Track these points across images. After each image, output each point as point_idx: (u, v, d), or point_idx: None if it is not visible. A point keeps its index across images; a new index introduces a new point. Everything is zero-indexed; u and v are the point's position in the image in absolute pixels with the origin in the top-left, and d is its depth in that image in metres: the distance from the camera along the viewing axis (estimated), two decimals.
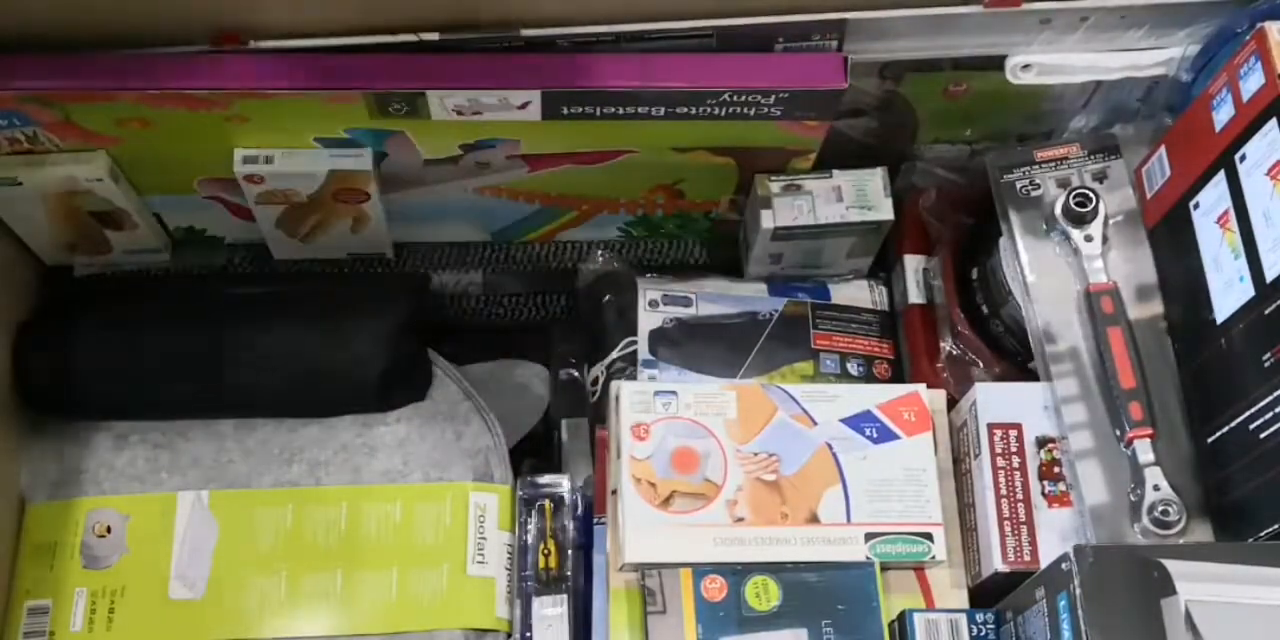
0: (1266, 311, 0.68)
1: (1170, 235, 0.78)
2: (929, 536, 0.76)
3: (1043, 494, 0.76)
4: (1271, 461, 0.68)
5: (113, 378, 0.81)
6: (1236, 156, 0.71)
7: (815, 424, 0.79)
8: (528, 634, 0.77)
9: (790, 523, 0.76)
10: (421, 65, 0.74)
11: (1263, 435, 0.68)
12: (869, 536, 0.76)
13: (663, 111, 0.76)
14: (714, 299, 0.90)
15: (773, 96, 0.75)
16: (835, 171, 0.85)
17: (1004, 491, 0.76)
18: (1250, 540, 0.70)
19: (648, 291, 0.89)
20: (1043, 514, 0.76)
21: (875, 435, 0.79)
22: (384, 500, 0.80)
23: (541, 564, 0.78)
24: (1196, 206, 0.75)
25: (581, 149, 0.82)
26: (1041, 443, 0.78)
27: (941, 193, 0.90)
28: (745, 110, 0.77)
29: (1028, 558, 0.75)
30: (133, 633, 0.77)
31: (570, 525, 0.79)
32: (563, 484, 0.80)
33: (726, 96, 0.75)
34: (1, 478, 0.80)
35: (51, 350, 0.81)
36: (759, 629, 0.73)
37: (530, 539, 0.79)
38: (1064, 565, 0.65)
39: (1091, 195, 0.79)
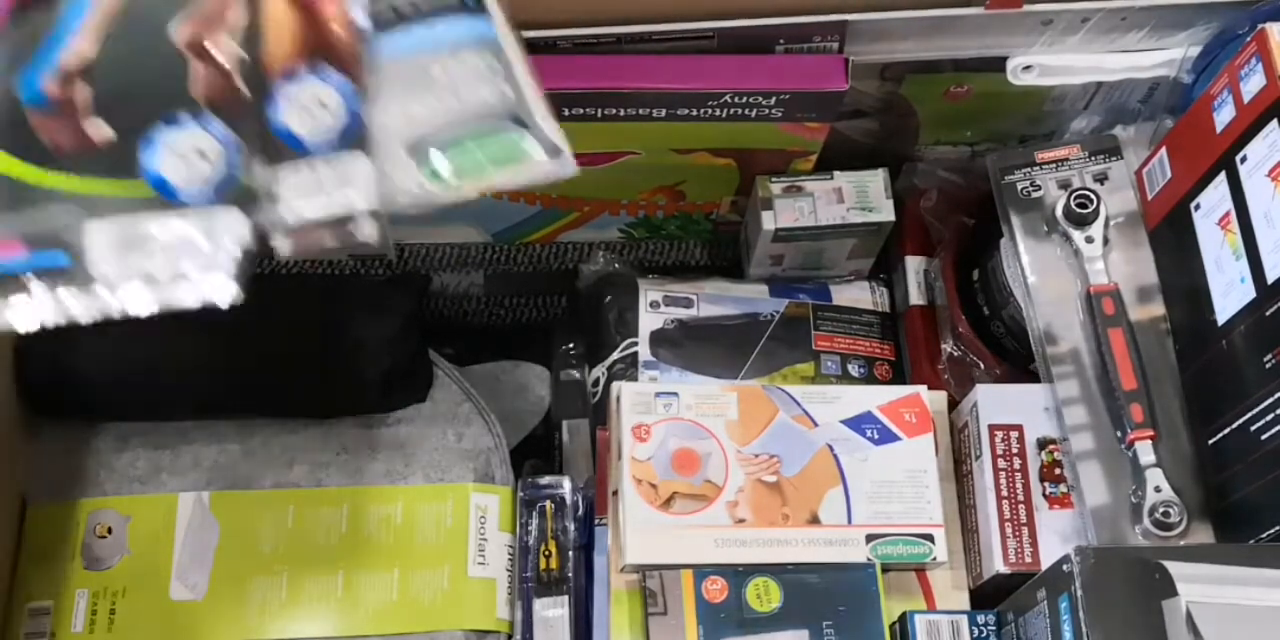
0: (1268, 313, 0.68)
1: (1171, 236, 0.78)
2: (930, 538, 0.76)
3: (1044, 495, 0.76)
4: (1273, 463, 0.68)
5: (113, 378, 0.81)
6: (1237, 158, 0.71)
7: (816, 425, 0.79)
8: (528, 635, 0.76)
9: (791, 524, 0.76)
10: None
11: (1264, 437, 0.68)
12: (870, 538, 0.76)
13: (664, 113, 0.76)
14: (715, 300, 0.90)
15: (774, 98, 0.75)
16: (836, 173, 0.85)
17: (1005, 493, 0.76)
18: (1252, 542, 0.70)
19: (649, 292, 0.89)
20: (1044, 515, 0.76)
21: (876, 436, 0.79)
22: (385, 501, 0.80)
23: (543, 565, 0.78)
24: (1197, 208, 0.75)
25: (582, 150, 0.81)
26: (1042, 444, 0.78)
27: (942, 194, 0.90)
28: (746, 112, 0.77)
29: (1029, 559, 0.74)
30: (134, 634, 0.77)
31: (571, 526, 0.79)
32: (564, 485, 0.80)
33: (728, 98, 0.75)
34: (2, 478, 0.80)
35: (52, 351, 0.81)
36: (760, 630, 0.73)
37: (531, 540, 0.79)
38: (1065, 567, 0.65)
39: (1093, 196, 0.79)
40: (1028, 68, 0.80)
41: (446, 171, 0.44)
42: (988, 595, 0.76)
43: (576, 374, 0.91)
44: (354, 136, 0.43)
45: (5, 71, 0.42)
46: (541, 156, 0.45)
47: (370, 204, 0.42)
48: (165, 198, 0.42)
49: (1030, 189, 0.82)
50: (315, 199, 0.42)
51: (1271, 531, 0.68)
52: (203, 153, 0.42)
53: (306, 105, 0.43)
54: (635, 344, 0.87)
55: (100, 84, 0.42)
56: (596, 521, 0.79)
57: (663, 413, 0.78)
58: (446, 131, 0.45)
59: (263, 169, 0.42)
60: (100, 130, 0.42)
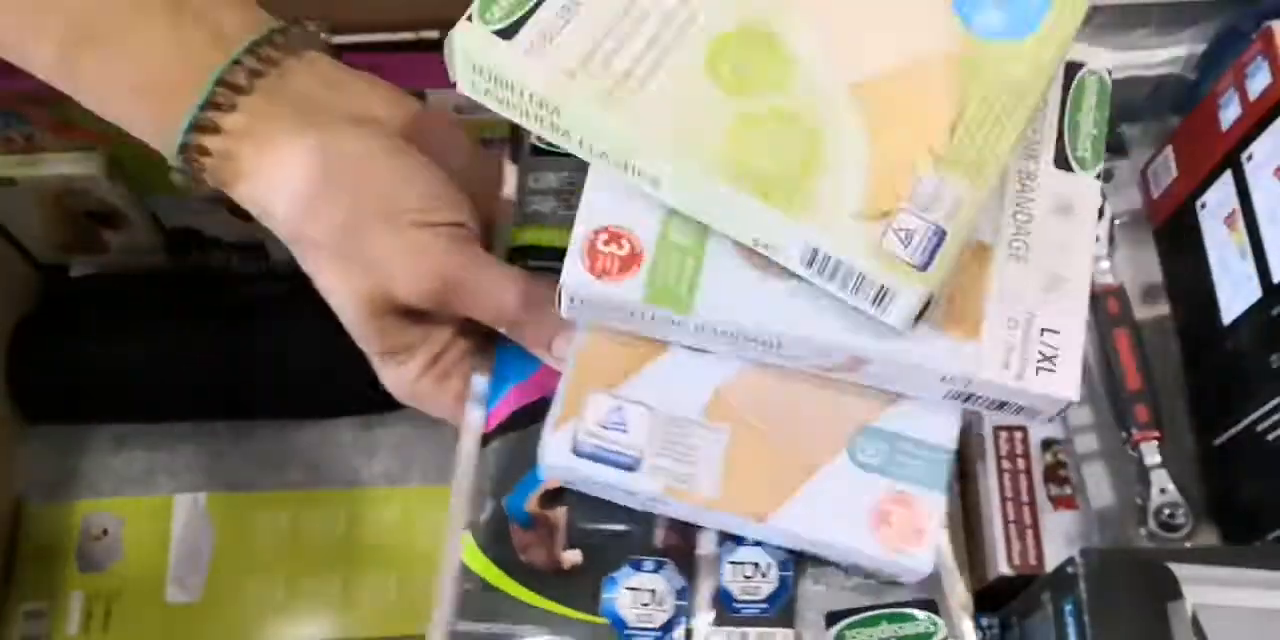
0: (1274, 312, 0.67)
1: (1176, 235, 0.78)
2: None
3: (1048, 497, 0.76)
4: (1279, 464, 0.67)
5: (109, 379, 0.80)
6: (1243, 156, 0.70)
7: None
8: None
9: None
10: (421, 64, 0.73)
11: (1270, 437, 0.68)
12: None
13: None
14: None
15: None
16: None
17: (1009, 494, 0.76)
18: (1258, 543, 0.69)
19: None
20: (1048, 517, 0.75)
21: None
22: (383, 503, 0.79)
23: None
24: (1203, 206, 0.74)
25: None
26: (1047, 445, 0.77)
27: None
28: None
29: (1033, 561, 0.74)
30: (129, 636, 0.76)
31: None
32: None
33: None
34: None
35: (47, 351, 0.81)
36: None
37: None
38: (1070, 569, 0.65)
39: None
40: None
41: None
42: (991, 598, 0.76)
43: None
44: (780, 604, 0.47)
45: (496, 483, 0.48)
46: None
47: None
48: (616, 632, 0.46)
49: None
50: None
51: (1278, 533, 0.68)
52: (657, 598, 0.46)
53: (746, 569, 0.47)
54: None
55: (576, 513, 0.47)
56: None
57: None
58: (867, 606, 0.48)
59: (702, 621, 0.46)
60: (571, 557, 0.47)
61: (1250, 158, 0.70)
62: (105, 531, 0.79)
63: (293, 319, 0.82)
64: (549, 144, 0.45)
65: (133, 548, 0.78)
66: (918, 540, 0.44)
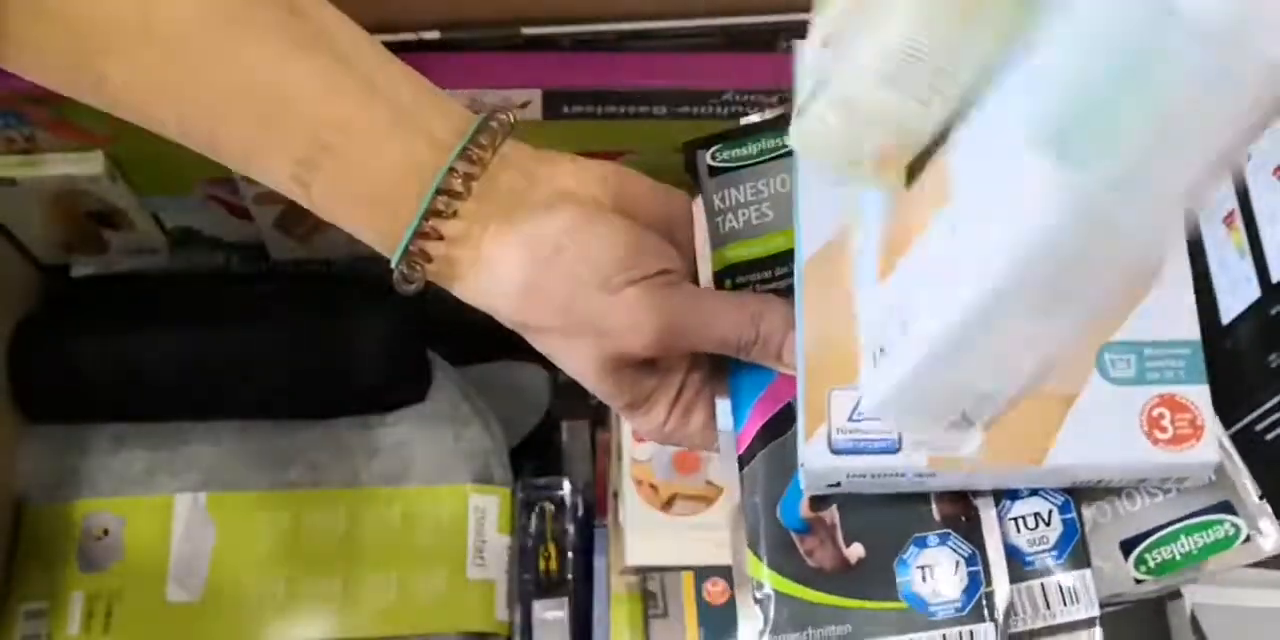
0: (1274, 312, 0.67)
1: None
2: None
3: None
4: (1278, 464, 0.67)
5: (110, 379, 0.80)
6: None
7: None
8: (528, 637, 0.76)
9: None
10: (421, 64, 0.73)
11: (1270, 437, 0.68)
12: None
13: (665, 111, 0.76)
14: None
15: (776, 96, 0.75)
16: None
17: None
18: None
19: None
20: None
21: None
22: (383, 502, 0.79)
23: (542, 567, 0.78)
24: None
25: (583, 149, 0.81)
26: None
27: None
28: (749, 110, 0.76)
29: None
30: (130, 636, 0.76)
31: (571, 528, 0.79)
32: (563, 486, 0.80)
33: (730, 96, 0.75)
34: None
35: (48, 351, 0.81)
36: None
37: (530, 542, 0.79)
38: None
39: None
40: None
41: (1156, 564, 0.48)
42: None
43: None
44: (1072, 547, 0.48)
45: (765, 498, 0.49)
46: (1252, 539, 0.49)
47: (1093, 612, 0.47)
48: (919, 612, 0.47)
49: None
50: (1048, 612, 0.47)
51: None
52: (949, 567, 0.47)
53: (1028, 521, 0.48)
54: None
55: (846, 508, 0.49)
56: (596, 523, 0.78)
57: None
58: (1160, 525, 0.49)
59: (1000, 581, 0.47)
60: (855, 551, 0.48)
61: (1249, 157, 0.70)
62: (106, 531, 0.79)
63: (293, 319, 0.82)
64: (725, 160, 0.45)
65: (133, 547, 0.78)
66: (1197, 435, 0.45)
